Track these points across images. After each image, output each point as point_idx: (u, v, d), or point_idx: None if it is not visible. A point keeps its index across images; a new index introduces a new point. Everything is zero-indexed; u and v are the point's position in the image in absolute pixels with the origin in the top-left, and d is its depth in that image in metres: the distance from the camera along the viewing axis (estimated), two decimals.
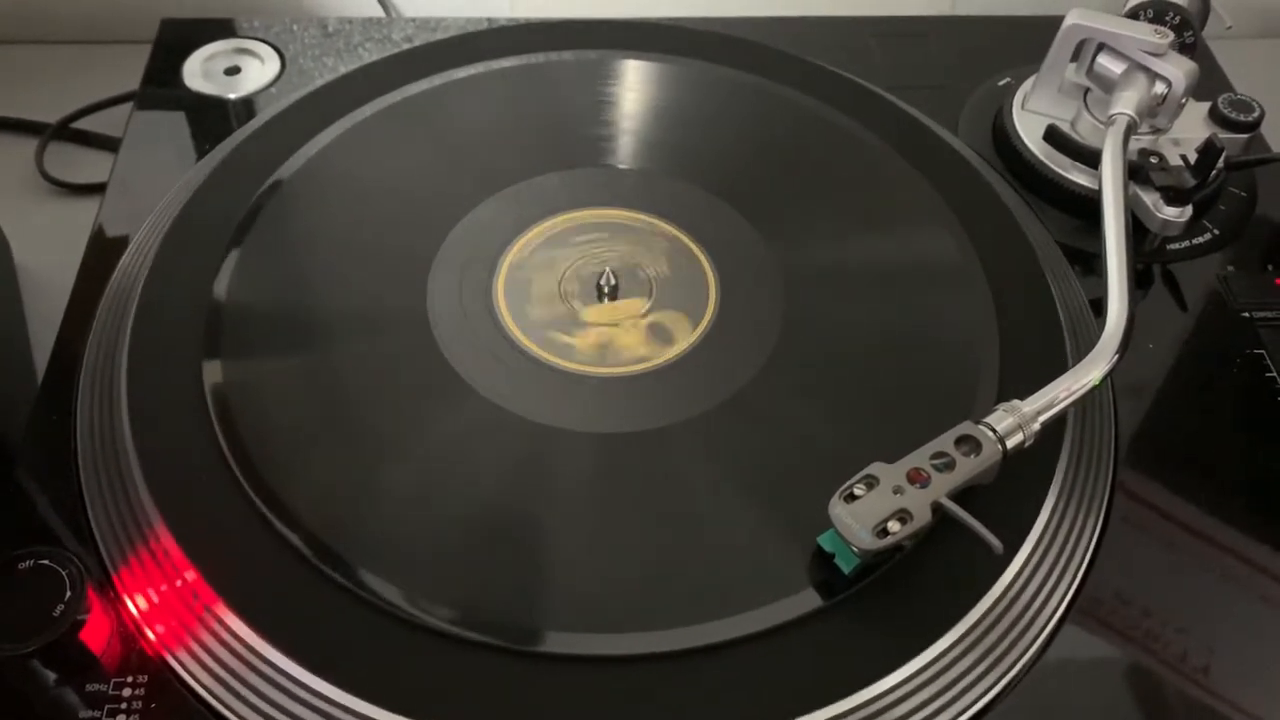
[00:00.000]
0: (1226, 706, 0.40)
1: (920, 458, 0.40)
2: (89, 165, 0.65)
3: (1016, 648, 0.40)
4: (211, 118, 0.59)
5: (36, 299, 0.57)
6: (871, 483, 0.39)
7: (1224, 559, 0.44)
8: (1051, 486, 0.43)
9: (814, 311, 0.49)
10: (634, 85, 0.59)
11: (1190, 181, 0.52)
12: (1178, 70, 0.52)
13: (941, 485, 0.39)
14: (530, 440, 0.44)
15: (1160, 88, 0.53)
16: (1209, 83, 0.59)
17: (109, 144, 0.64)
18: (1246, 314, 0.52)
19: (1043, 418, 0.41)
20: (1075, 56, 0.56)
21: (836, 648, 0.39)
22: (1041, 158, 0.56)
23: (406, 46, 0.62)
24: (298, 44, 0.63)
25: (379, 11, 0.74)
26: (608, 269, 0.50)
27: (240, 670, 0.38)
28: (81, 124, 0.67)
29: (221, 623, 0.38)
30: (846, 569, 0.40)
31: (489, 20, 0.64)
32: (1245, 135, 0.56)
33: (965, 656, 0.39)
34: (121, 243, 0.52)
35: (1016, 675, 0.40)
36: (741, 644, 0.38)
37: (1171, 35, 0.53)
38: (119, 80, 0.66)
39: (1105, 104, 0.53)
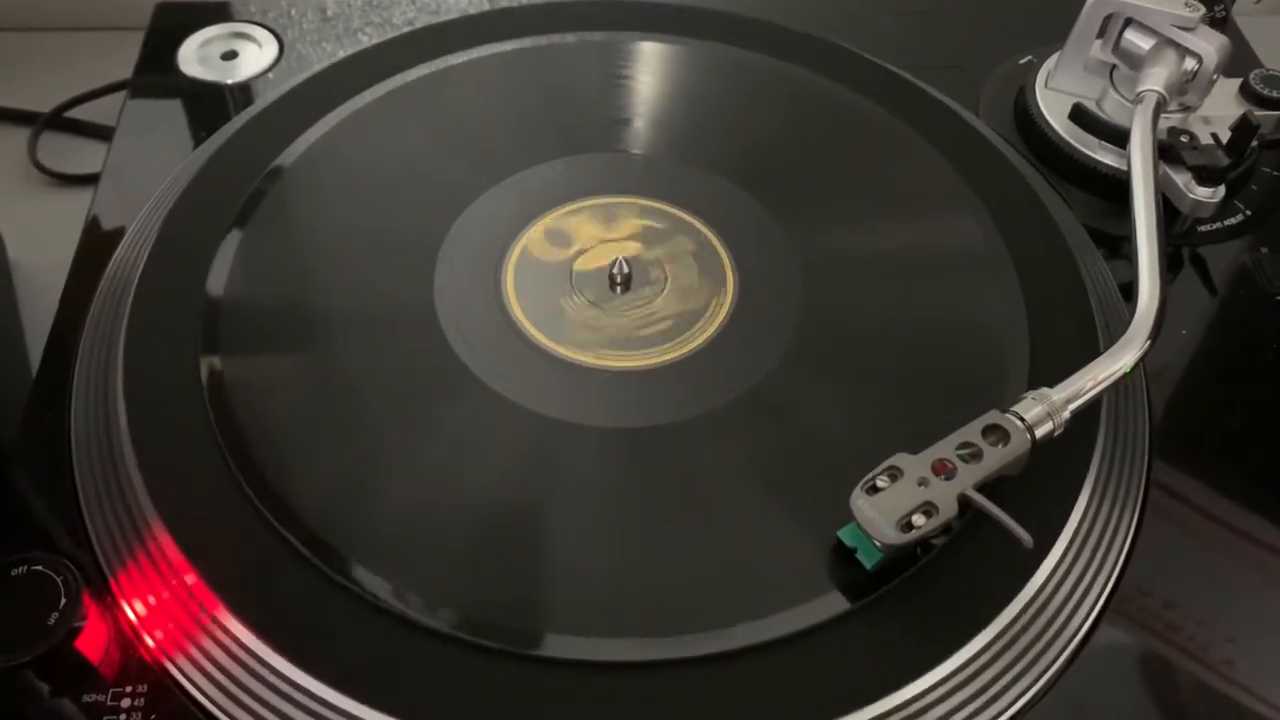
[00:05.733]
0: (1262, 705, 0.39)
1: (946, 448, 0.39)
2: (83, 155, 0.64)
3: (1053, 648, 0.38)
4: (207, 104, 0.58)
5: (30, 292, 0.56)
6: (895, 474, 0.38)
7: (1264, 555, 0.42)
8: (1086, 478, 0.42)
9: (835, 299, 0.48)
10: (644, 68, 0.58)
11: (1224, 160, 0.50)
12: (1209, 45, 0.51)
13: (968, 477, 0.38)
14: (541, 435, 0.43)
15: (1190, 64, 0.51)
16: (1237, 60, 0.57)
17: (103, 133, 0.64)
18: None
19: (1073, 406, 0.40)
20: (1101, 32, 0.54)
21: (864, 652, 0.37)
22: (1067, 138, 0.55)
23: (407, 30, 0.61)
24: (296, 28, 0.62)
25: None
26: (620, 259, 0.48)
27: (242, 676, 0.37)
28: (75, 113, 0.66)
29: (223, 627, 0.37)
30: (868, 564, 0.38)
31: (490, 2, 0.63)
32: (1278, 112, 0.55)
33: (999, 659, 0.38)
34: (117, 234, 0.51)
35: (1053, 676, 0.38)
36: (764, 649, 0.37)
37: (1203, 9, 0.51)
38: (113, 67, 0.65)
39: (1132, 81, 0.52)
